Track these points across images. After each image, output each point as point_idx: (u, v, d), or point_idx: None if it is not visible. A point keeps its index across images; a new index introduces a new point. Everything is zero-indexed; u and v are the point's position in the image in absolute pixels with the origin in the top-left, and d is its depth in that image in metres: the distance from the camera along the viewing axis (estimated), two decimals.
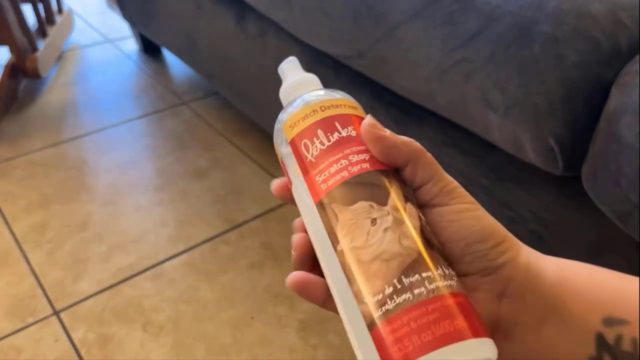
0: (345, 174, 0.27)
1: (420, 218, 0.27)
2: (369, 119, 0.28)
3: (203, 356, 0.81)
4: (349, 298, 0.25)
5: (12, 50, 1.31)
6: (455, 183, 0.28)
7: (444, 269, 0.25)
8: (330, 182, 0.27)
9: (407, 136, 0.28)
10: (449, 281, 0.25)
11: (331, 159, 0.28)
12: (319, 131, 0.29)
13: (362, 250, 0.25)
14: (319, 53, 0.80)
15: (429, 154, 0.28)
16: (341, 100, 0.31)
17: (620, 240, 0.56)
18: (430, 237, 0.26)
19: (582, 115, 0.52)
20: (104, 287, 0.91)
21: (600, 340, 0.25)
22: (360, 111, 0.31)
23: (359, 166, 0.27)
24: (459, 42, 0.58)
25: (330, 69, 0.81)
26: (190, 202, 1.09)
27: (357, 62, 0.73)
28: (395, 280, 0.24)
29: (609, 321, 0.25)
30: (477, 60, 0.57)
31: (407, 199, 0.27)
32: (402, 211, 0.26)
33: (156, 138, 1.28)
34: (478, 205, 0.28)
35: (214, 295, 0.90)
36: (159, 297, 0.90)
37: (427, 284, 0.24)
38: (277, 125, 0.31)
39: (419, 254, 0.25)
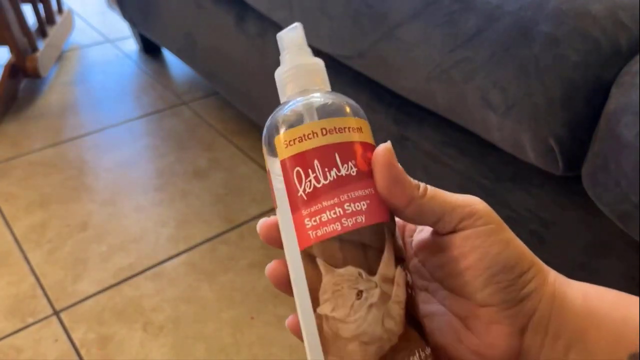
0: (338, 227, 0.24)
1: (407, 285, 0.25)
2: (386, 146, 0.26)
3: (203, 356, 0.81)
4: None
5: (12, 50, 1.31)
6: (473, 202, 0.26)
7: (421, 351, 0.24)
8: (319, 233, 0.25)
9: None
10: None
11: (325, 204, 0.25)
12: (316, 162, 0.25)
13: (342, 324, 0.24)
14: (319, 53, 0.80)
15: (429, 191, 0.26)
16: (346, 120, 0.26)
17: (620, 240, 0.56)
18: (413, 310, 0.25)
19: (582, 115, 0.52)
20: (104, 287, 0.91)
21: None
22: (365, 131, 0.27)
23: (353, 219, 0.25)
24: (459, 42, 0.58)
25: (330, 69, 0.80)
26: (190, 202, 1.09)
27: (357, 62, 0.73)
28: None
29: (636, 357, 0.24)
30: (477, 60, 0.57)
31: (398, 260, 0.25)
32: (390, 282, 0.24)
33: (156, 138, 1.28)
34: (504, 226, 0.26)
35: (214, 295, 0.90)
36: (159, 297, 0.90)
37: None
38: (269, 123, 0.27)
39: (399, 339, 0.24)
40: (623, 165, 0.48)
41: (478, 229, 0.25)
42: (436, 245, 0.27)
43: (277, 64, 0.30)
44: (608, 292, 0.26)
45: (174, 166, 1.19)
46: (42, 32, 1.45)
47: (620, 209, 0.50)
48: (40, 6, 1.45)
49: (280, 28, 0.89)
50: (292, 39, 0.29)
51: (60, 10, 1.60)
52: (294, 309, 0.28)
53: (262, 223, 0.27)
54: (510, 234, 0.26)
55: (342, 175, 0.25)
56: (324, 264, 0.25)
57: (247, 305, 0.89)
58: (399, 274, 0.25)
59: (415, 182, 0.26)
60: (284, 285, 0.27)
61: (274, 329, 0.85)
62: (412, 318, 0.25)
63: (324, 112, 0.26)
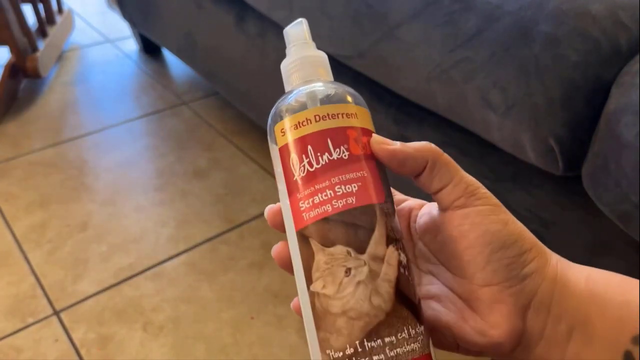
0: (329, 208, 0.26)
1: (399, 264, 0.26)
2: (375, 138, 0.27)
3: (203, 356, 0.81)
4: (314, 342, 0.26)
5: (12, 50, 1.31)
6: (478, 183, 0.27)
7: (411, 329, 0.25)
8: (312, 214, 0.26)
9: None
10: (413, 344, 0.24)
11: (317, 187, 0.26)
12: (309, 148, 0.27)
13: (332, 300, 0.25)
14: None
15: (445, 156, 0.27)
16: (340, 106, 0.27)
17: (620, 240, 0.56)
18: (406, 288, 0.25)
19: (582, 115, 0.52)
20: (104, 287, 0.91)
21: (629, 358, 0.24)
22: (362, 117, 0.28)
23: (344, 201, 0.26)
24: (459, 42, 0.58)
25: (330, 68, 0.80)
26: (190, 202, 1.09)
27: (357, 62, 0.73)
28: (357, 342, 0.24)
29: (639, 340, 0.24)
30: (477, 60, 0.57)
31: (390, 240, 0.26)
32: (380, 260, 0.25)
33: (156, 138, 1.28)
34: (504, 208, 0.27)
35: (214, 295, 0.90)
36: (159, 297, 0.90)
37: (387, 351, 0.24)
38: (272, 112, 0.29)
39: (387, 315, 0.25)
40: (623, 165, 0.48)
41: (477, 208, 0.26)
42: (437, 225, 0.28)
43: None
44: (612, 276, 0.26)
45: (174, 166, 1.19)
46: (42, 32, 1.45)
47: (620, 209, 0.50)
48: (40, 6, 1.45)
49: (280, 28, 0.89)
50: (297, 33, 0.30)
51: (60, 10, 1.60)
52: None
53: (269, 209, 0.29)
54: (509, 215, 0.27)
55: (334, 159, 0.26)
56: (316, 243, 0.26)
57: (247, 305, 0.89)
58: (390, 253, 0.26)
59: (426, 145, 0.27)
60: (287, 265, 0.28)
61: (274, 329, 0.85)
62: (404, 297, 0.25)
63: (323, 100, 0.28)
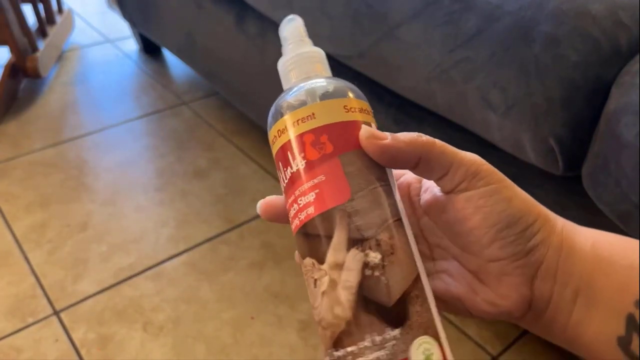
0: (297, 222, 0.26)
1: (364, 267, 0.24)
2: (363, 132, 0.26)
3: (203, 356, 0.81)
4: None
5: (12, 50, 1.31)
6: (479, 160, 0.27)
7: (376, 336, 0.23)
8: (293, 226, 0.27)
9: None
10: (377, 352, 0.23)
11: (289, 201, 0.27)
12: (280, 164, 0.27)
13: (313, 310, 0.26)
14: None
15: (438, 144, 0.27)
16: (315, 106, 0.26)
17: None
18: (373, 291, 0.24)
19: (582, 115, 0.52)
20: (104, 287, 0.91)
21: (631, 321, 0.25)
22: (327, 112, 0.26)
23: (305, 212, 0.25)
24: (459, 42, 0.58)
25: (330, 69, 0.80)
26: (190, 202, 1.09)
27: (357, 62, 0.73)
28: (328, 352, 0.25)
29: None
30: (477, 60, 0.57)
31: (352, 243, 0.25)
32: (340, 267, 0.25)
33: (156, 138, 1.28)
34: (507, 182, 0.27)
35: (214, 295, 0.90)
36: (159, 297, 0.90)
37: None
38: (271, 110, 0.28)
39: (347, 323, 0.24)
40: (623, 165, 0.48)
41: (480, 190, 0.26)
42: (441, 205, 0.28)
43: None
44: (618, 239, 0.27)
45: (174, 166, 1.19)
46: (42, 32, 1.45)
47: (620, 209, 0.50)
48: (40, 6, 1.45)
49: None
50: (292, 32, 0.30)
51: (60, 10, 1.60)
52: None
53: (262, 202, 0.30)
54: (512, 191, 0.26)
55: (294, 171, 0.26)
56: (298, 256, 0.27)
57: (247, 305, 0.89)
58: (351, 257, 0.24)
59: (417, 139, 0.26)
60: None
61: (274, 329, 0.85)
62: (369, 301, 0.24)
63: (297, 105, 0.27)
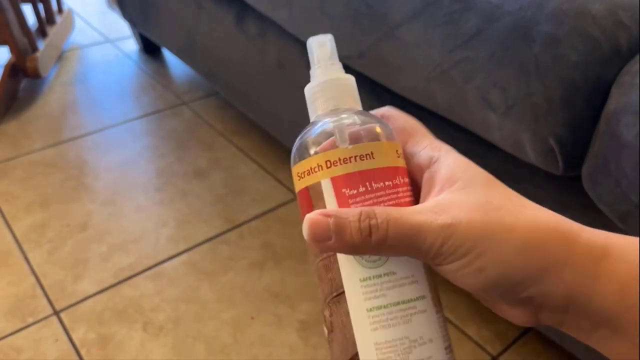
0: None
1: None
2: (307, 232, 0.24)
3: (203, 356, 0.81)
4: None
5: (12, 50, 1.31)
6: (445, 233, 0.23)
7: None
8: None
9: None
10: None
11: None
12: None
13: None
14: None
15: (392, 223, 0.24)
16: (311, 160, 0.26)
17: None
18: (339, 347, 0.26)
19: (582, 115, 0.52)
20: (104, 287, 0.91)
21: None
22: (328, 164, 0.25)
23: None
24: (459, 42, 0.58)
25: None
26: (190, 202, 1.09)
27: (357, 62, 0.73)
28: None
29: None
30: (477, 60, 0.57)
31: (327, 299, 0.26)
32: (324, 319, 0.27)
33: (156, 138, 1.28)
34: (480, 248, 0.23)
35: (214, 295, 0.90)
36: (159, 297, 0.90)
37: None
38: (297, 144, 0.27)
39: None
40: (623, 165, 0.48)
41: (462, 261, 0.24)
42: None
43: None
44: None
45: (174, 166, 1.19)
46: (42, 32, 1.45)
47: (620, 209, 0.50)
48: (40, 6, 1.45)
49: (280, 28, 0.89)
50: (324, 54, 0.29)
51: (60, 10, 1.60)
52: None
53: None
54: (486, 257, 0.23)
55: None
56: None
57: (247, 305, 0.89)
58: (327, 311, 0.26)
59: (366, 224, 0.23)
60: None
61: (274, 329, 0.85)
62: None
63: (316, 150, 0.26)
